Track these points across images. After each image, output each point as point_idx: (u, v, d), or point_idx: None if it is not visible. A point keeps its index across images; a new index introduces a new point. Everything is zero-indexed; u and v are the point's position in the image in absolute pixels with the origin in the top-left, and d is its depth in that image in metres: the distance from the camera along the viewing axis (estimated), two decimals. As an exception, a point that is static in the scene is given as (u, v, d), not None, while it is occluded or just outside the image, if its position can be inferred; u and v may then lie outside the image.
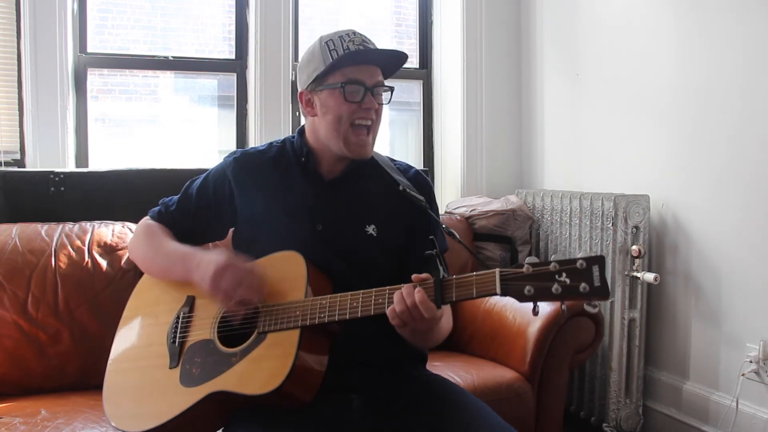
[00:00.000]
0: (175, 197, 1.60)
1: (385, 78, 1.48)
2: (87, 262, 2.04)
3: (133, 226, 2.12)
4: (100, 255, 2.06)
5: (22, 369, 1.93)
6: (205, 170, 1.60)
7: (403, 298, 1.20)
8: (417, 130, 3.32)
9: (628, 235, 2.40)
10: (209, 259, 1.36)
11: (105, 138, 2.84)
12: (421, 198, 1.46)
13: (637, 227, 2.41)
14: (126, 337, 1.50)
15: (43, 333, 1.95)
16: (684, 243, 2.41)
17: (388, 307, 1.22)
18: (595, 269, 1.08)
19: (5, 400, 1.84)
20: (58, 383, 1.94)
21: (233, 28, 2.94)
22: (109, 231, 2.13)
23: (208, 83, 3.08)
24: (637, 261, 2.38)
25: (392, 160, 1.59)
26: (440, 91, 3.26)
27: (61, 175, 2.30)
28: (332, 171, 1.50)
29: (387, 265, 1.45)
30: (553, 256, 1.14)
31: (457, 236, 1.42)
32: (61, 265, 2.01)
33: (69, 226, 2.13)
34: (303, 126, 1.54)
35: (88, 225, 2.14)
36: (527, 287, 1.11)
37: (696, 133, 2.35)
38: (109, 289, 2.00)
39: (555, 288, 1.09)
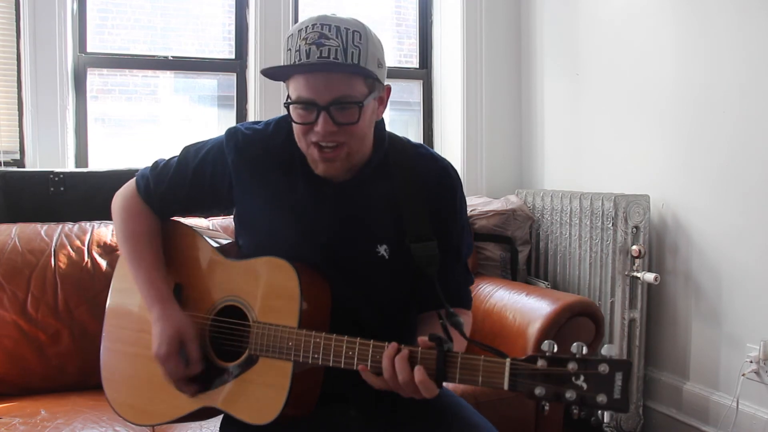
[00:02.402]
0: (171, 165, 1.39)
1: (372, 77, 1.19)
2: (87, 262, 2.04)
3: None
4: (100, 255, 2.06)
5: (21, 369, 1.92)
6: None
7: (394, 373, 1.08)
8: (417, 130, 3.32)
9: (628, 235, 2.40)
10: (161, 329, 1.27)
11: (105, 138, 2.83)
12: (434, 247, 1.26)
13: (637, 227, 2.41)
14: (117, 314, 1.46)
15: (42, 333, 1.94)
16: (684, 243, 2.41)
17: None
18: (618, 377, 0.95)
19: (5, 400, 1.84)
20: (57, 383, 1.94)
21: (233, 28, 2.94)
22: (109, 231, 2.12)
23: (208, 83, 3.08)
24: (637, 261, 2.38)
25: (417, 148, 1.35)
26: (440, 91, 3.26)
27: (61, 175, 2.29)
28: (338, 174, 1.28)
29: (397, 289, 1.32)
30: (575, 346, 0.99)
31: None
32: (61, 265, 2.01)
33: (69, 226, 2.12)
34: None
35: (87, 225, 2.14)
36: (538, 388, 0.99)
37: (696, 133, 2.35)
38: (108, 289, 1.99)
39: (569, 395, 0.97)
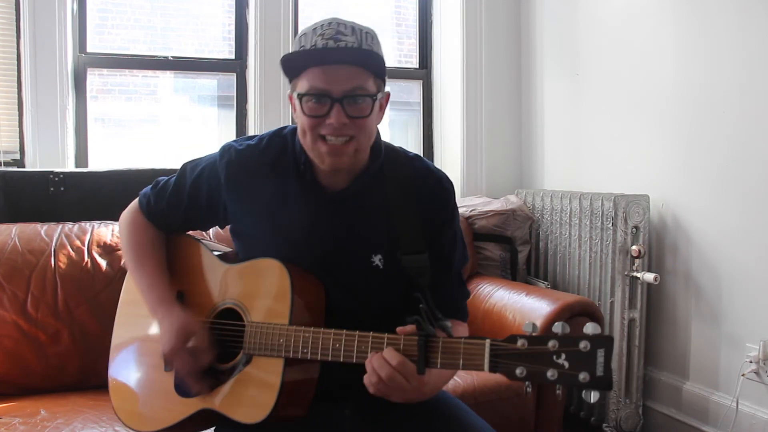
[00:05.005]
0: (170, 184, 1.43)
1: (380, 77, 1.23)
2: (86, 262, 2.04)
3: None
4: (100, 255, 2.06)
5: (21, 369, 1.92)
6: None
7: (375, 370, 1.09)
8: (417, 130, 3.32)
9: (628, 235, 2.40)
10: (167, 326, 1.28)
11: (104, 138, 2.83)
12: (425, 260, 1.27)
13: (637, 227, 2.41)
14: (125, 324, 1.48)
15: (42, 333, 1.94)
16: (684, 243, 2.41)
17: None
18: (600, 354, 0.94)
19: (5, 400, 1.84)
20: (57, 383, 1.94)
21: (233, 28, 2.94)
22: (109, 231, 2.13)
23: (208, 83, 3.08)
24: (637, 261, 2.38)
25: (412, 160, 1.36)
26: (440, 91, 3.26)
27: (61, 175, 2.29)
28: (334, 183, 1.29)
29: (393, 296, 1.32)
30: (557, 326, 0.98)
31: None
32: (61, 265, 2.01)
33: (68, 226, 2.12)
34: None
35: (87, 225, 2.14)
36: (519, 368, 0.98)
37: (696, 133, 2.35)
38: (108, 289, 2.00)
39: (551, 374, 0.96)
